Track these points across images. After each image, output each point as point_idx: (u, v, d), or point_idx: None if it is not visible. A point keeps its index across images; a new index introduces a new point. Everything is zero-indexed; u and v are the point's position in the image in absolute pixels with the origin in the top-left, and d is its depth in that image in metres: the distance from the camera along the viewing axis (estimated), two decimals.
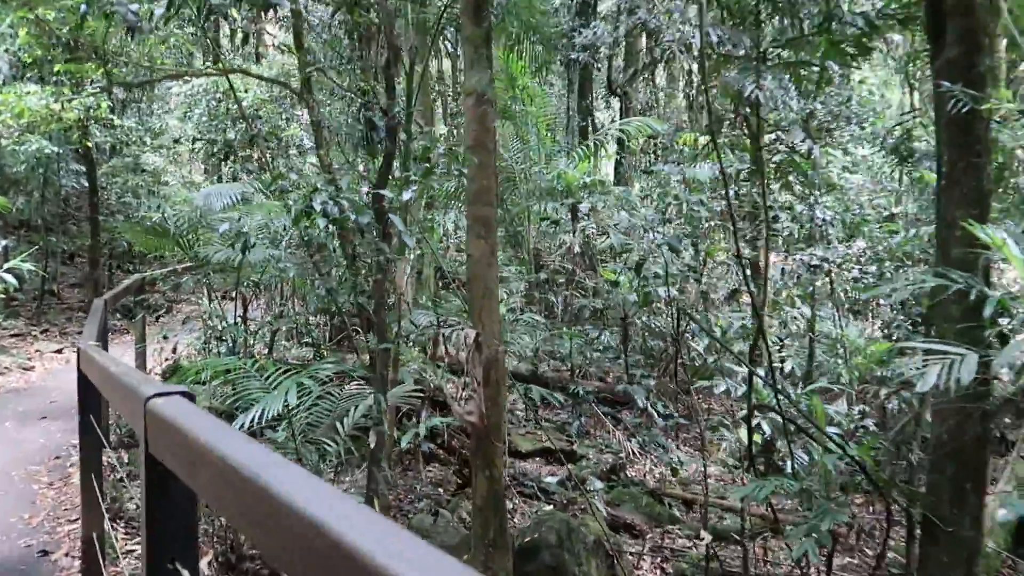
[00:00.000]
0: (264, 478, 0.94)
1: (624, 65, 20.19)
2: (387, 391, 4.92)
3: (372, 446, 4.52)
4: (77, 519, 5.21)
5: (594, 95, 20.02)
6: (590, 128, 18.28)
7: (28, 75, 10.40)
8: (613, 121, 18.18)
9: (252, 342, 8.47)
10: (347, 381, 6.46)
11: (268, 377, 5.13)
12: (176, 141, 18.92)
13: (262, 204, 8.48)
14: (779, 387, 5.48)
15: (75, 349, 11.20)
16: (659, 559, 6.63)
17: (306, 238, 4.24)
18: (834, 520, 4.09)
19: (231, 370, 5.61)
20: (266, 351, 9.19)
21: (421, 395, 6.17)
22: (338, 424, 5.09)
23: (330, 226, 4.15)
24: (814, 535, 4.09)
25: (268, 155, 6.24)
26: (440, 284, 12.26)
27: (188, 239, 7.97)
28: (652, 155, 18.41)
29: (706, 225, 9.07)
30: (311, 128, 8.43)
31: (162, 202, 11.95)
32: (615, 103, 20.97)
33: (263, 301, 11.14)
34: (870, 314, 12.02)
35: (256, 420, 4.89)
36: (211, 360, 6.06)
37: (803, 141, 5.94)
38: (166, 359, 8.60)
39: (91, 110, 10.97)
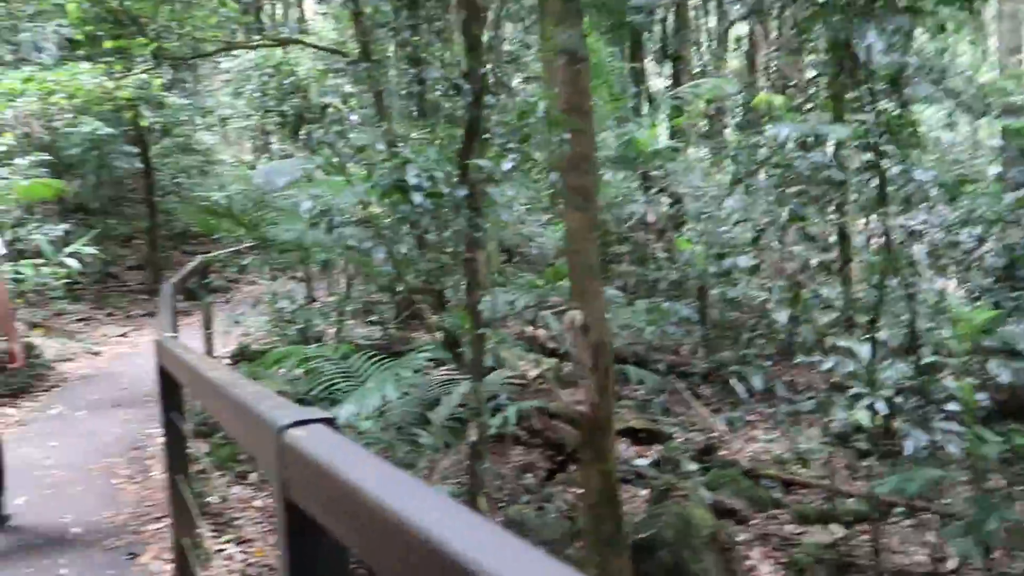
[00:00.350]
0: (457, 547, 0.68)
1: (676, 28, 19.46)
2: (483, 378, 4.55)
3: (474, 439, 4.18)
4: (162, 517, 4.97)
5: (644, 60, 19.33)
6: (643, 93, 17.66)
7: (79, 51, 10.17)
8: (668, 87, 17.50)
9: (319, 323, 8.21)
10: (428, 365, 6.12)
11: (354, 365, 4.80)
12: (224, 120, 18.73)
13: (324, 180, 8.13)
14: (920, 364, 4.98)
15: (140, 332, 11.05)
16: (769, 547, 6.23)
17: (400, 215, 3.87)
18: (1002, 517, 3.64)
19: (311, 357, 5.30)
20: (333, 331, 8.92)
21: (520, 382, 5.80)
22: (429, 414, 4.75)
23: (425, 201, 3.77)
24: (978, 534, 3.63)
25: (331, 128, 5.92)
26: (502, 260, 11.89)
27: (252, 218, 7.68)
28: (711, 120, 17.75)
29: (793, 190, 8.50)
30: (373, 98, 8.04)
31: (224, 182, 11.71)
32: (667, 68, 20.28)
33: (324, 281, 10.89)
34: (954, 280, 11.36)
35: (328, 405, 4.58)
36: (293, 348, 5.76)
37: (929, 96, 5.38)
38: (239, 342, 8.38)
39: (143, 88, 10.74)
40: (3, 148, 9.11)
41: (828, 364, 6.55)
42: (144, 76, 10.13)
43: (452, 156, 4.90)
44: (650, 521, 5.08)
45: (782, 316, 10.92)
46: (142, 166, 14.24)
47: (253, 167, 14.85)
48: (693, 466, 6.68)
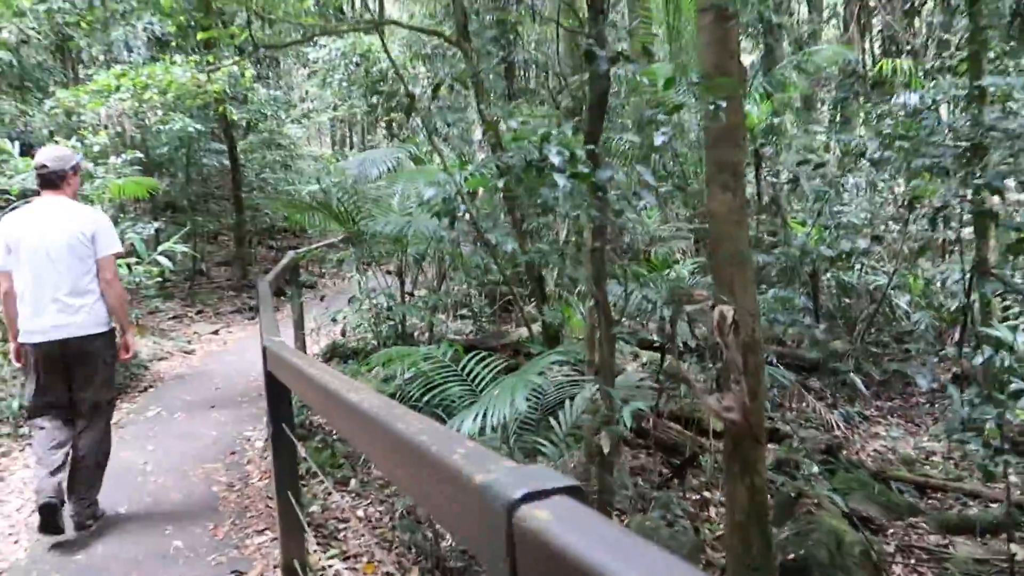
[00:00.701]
0: None
1: None
2: (613, 381, 4.09)
3: (606, 451, 3.72)
4: (264, 530, 4.69)
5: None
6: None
7: (168, 48, 10.11)
8: (761, 58, 16.65)
9: (417, 319, 7.88)
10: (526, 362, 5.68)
11: (466, 367, 4.40)
12: (306, 115, 18.70)
13: (420, 170, 7.79)
14: None
15: (230, 329, 10.90)
16: (912, 560, 5.61)
17: (540, 200, 3.42)
18: None
19: (418, 359, 4.91)
20: (425, 326, 8.59)
21: (655, 386, 5.33)
22: (552, 420, 4.32)
23: (567, 184, 3.30)
24: None
25: (433, 114, 5.62)
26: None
27: (348, 211, 7.38)
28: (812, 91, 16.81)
29: (918, 164, 7.74)
30: (469, 80, 7.63)
31: (312, 175, 11.53)
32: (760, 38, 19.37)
33: (414, 274, 10.59)
34: None
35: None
36: (398, 349, 5.39)
37: None
38: (331, 339, 8.12)
39: (233, 82, 10.63)
40: (97, 147, 9.06)
41: (980, 357, 5.85)
42: (235, 68, 10.00)
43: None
44: (799, 539, 4.53)
45: (903, 302, 10.17)
46: (228, 163, 14.26)
47: (337, 159, 14.68)
48: (815, 468, 6.07)
